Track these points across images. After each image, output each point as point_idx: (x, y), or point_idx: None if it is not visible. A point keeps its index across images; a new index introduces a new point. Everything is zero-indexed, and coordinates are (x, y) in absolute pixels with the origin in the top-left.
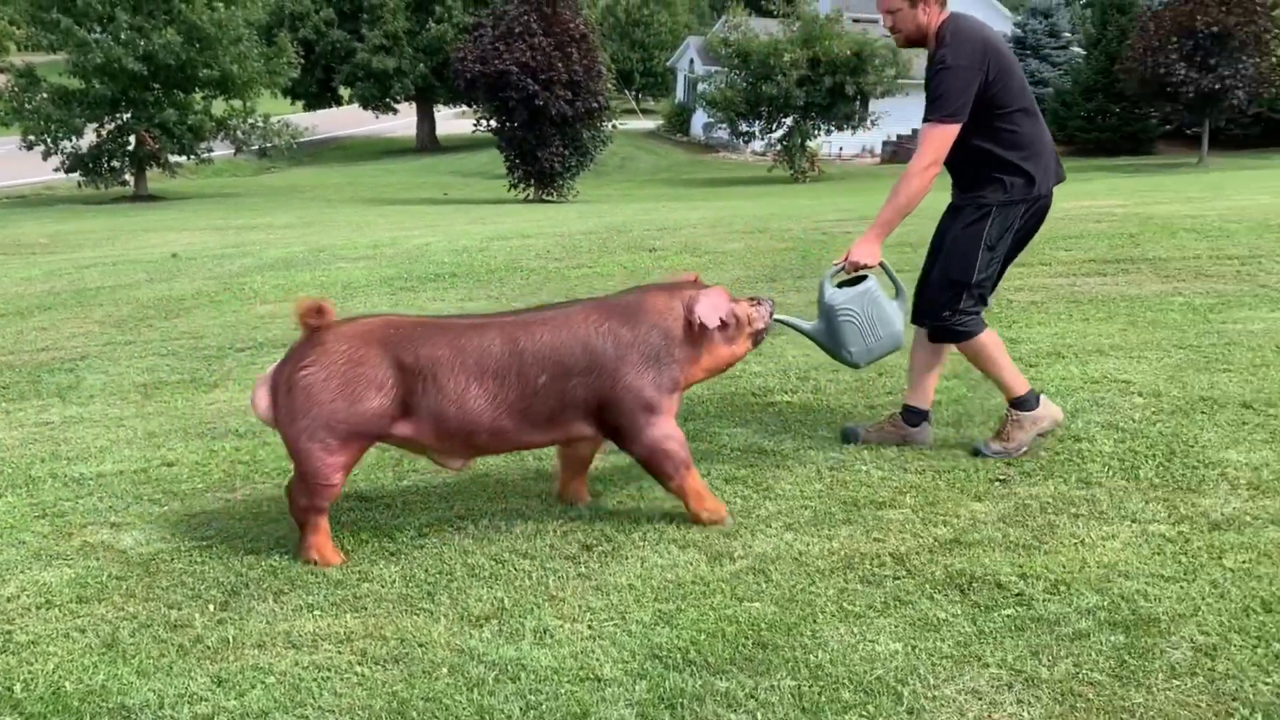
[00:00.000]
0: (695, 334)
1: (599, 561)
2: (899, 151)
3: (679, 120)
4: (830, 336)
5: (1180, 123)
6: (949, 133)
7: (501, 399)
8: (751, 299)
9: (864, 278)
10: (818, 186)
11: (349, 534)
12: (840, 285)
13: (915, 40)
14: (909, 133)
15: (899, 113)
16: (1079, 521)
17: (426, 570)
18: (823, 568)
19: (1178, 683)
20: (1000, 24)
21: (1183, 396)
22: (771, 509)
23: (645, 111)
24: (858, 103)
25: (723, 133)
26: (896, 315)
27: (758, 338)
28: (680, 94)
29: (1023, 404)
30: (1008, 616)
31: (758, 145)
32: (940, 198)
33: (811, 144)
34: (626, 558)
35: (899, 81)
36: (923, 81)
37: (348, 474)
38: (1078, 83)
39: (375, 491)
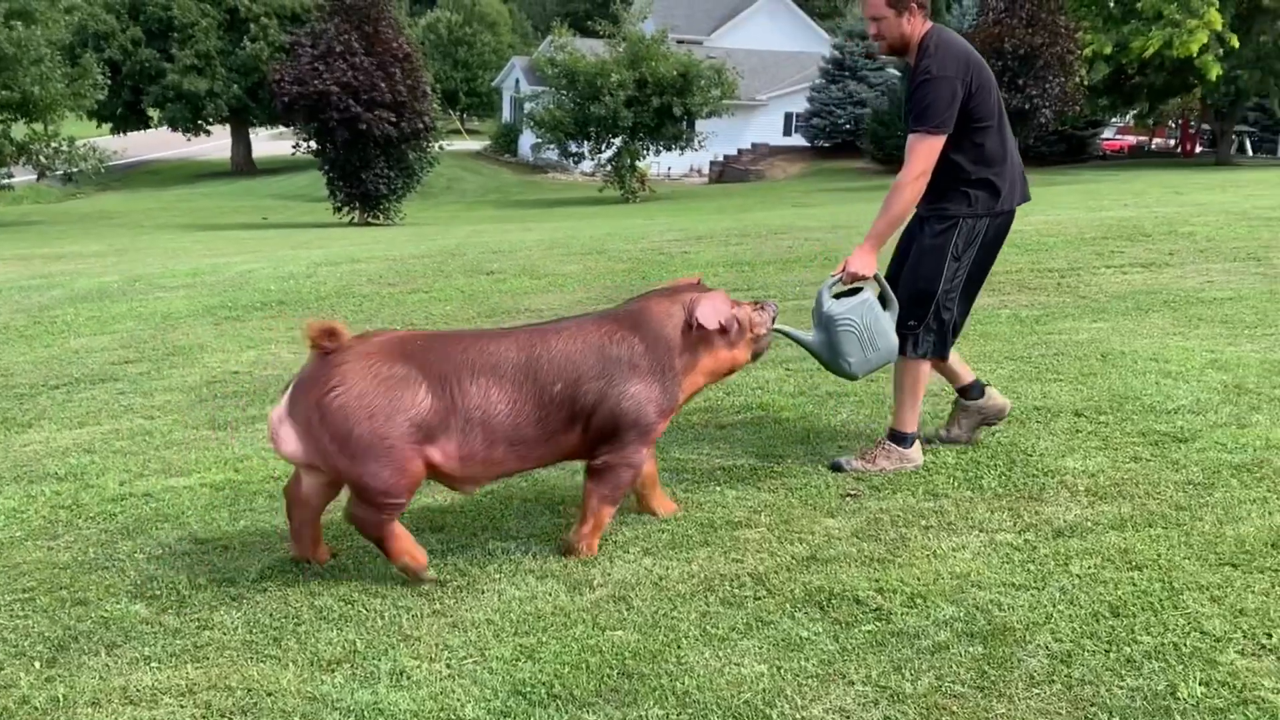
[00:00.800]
0: (696, 338)
1: (454, 597)
2: (726, 171)
3: (506, 141)
4: (829, 347)
5: None
6: (937, 143)
7: (521, 409)
8: (755, 303)
9: (860, 289)
10: (649, 206)
11: (185, 579)
12: (836, 296)
13: (898, 49)
14: (734, 152)
15: (725, 133)
16: (929, 533)
17: (271, 614)
18: (683, 591)
19: (1037, 691)
20: (818, 45)
21: (1018, 406)
22: (628, 534)
23: (471, 132)
24: (685, 123)
25: (551, 153)
26: (891, 326)
27: (760, 343)
28: (507, 114)
29: (901, 440)
30: (868, 632)
31: (587, 165)
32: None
33: (641, 164)
34: (483, 591)
35: (724, 102)
36: (748, 102)
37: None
38: (895, 103)
39: (211, 533)
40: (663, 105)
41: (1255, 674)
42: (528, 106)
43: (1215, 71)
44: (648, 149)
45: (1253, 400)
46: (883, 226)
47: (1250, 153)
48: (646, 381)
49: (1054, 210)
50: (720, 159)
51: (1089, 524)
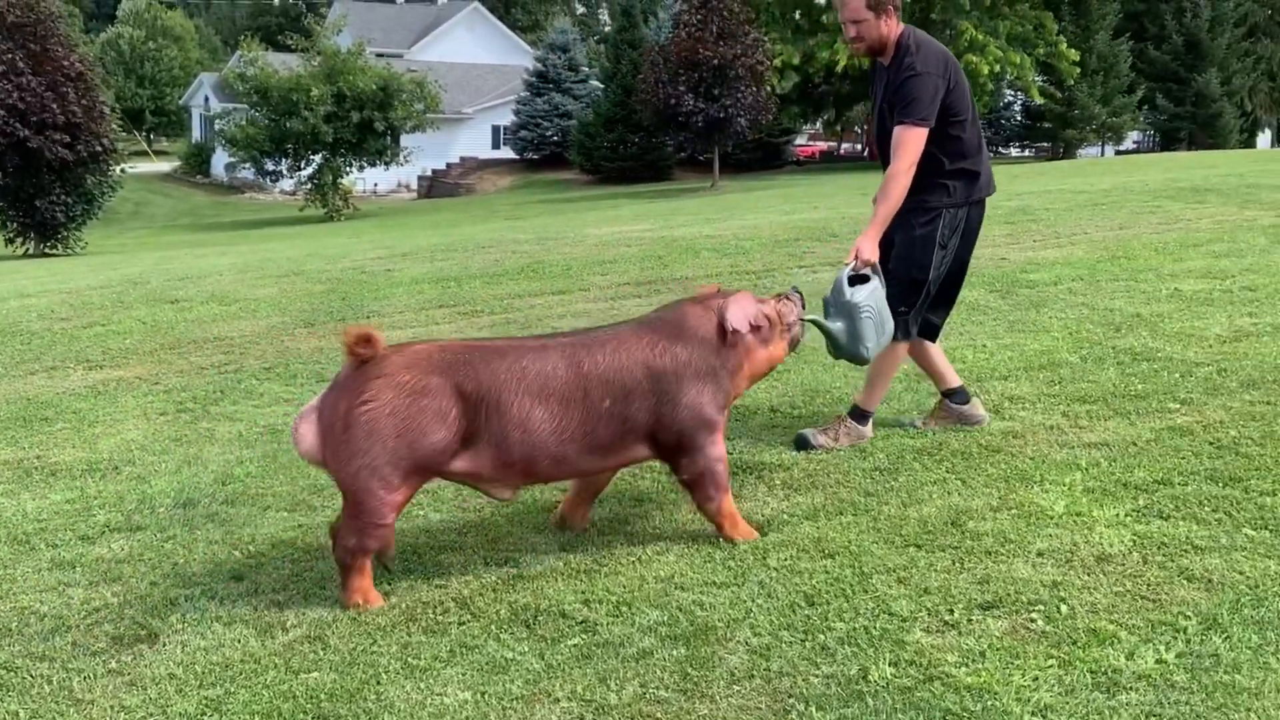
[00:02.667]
0: (730, 342)
1: (132, 653)
2: (434, 185)
3: (198, 161)
4: (851, 334)
5: (693, 150)
6: (923, 134)
7: (566, 424)
8: (778, 296)
9: (868, 276)
10: (355, 224)
11: None
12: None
13: (876, 50)
14: (443, 166)
15: (432, 147)
16: (634, 540)
17: None
18: (384, 624)
19: (738, 687)
20: (521, 58)
21: None
22: (325, 569)
23: (159, 153)
24: (389, 138)
25: (247, 172)
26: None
27: (794, 336)
28: (197, 133)
29: (863, 418)
30: (574, 646)
31: (287, 184)
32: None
33: (345, 181)
34: (165, 645)
35: (428, 116)
36: (453, 116)
37: (400, 513)
38: (599, 114)
39: None
40: (364, 120)
41: (939, 650)
42: (219, 124)
43: None
44: (351, 165)
45: (930, 387)
46: (884, 213)
47: None
48: (697, 386)
49: (751, 215)
50: (428, 174)
51: (785, 516)
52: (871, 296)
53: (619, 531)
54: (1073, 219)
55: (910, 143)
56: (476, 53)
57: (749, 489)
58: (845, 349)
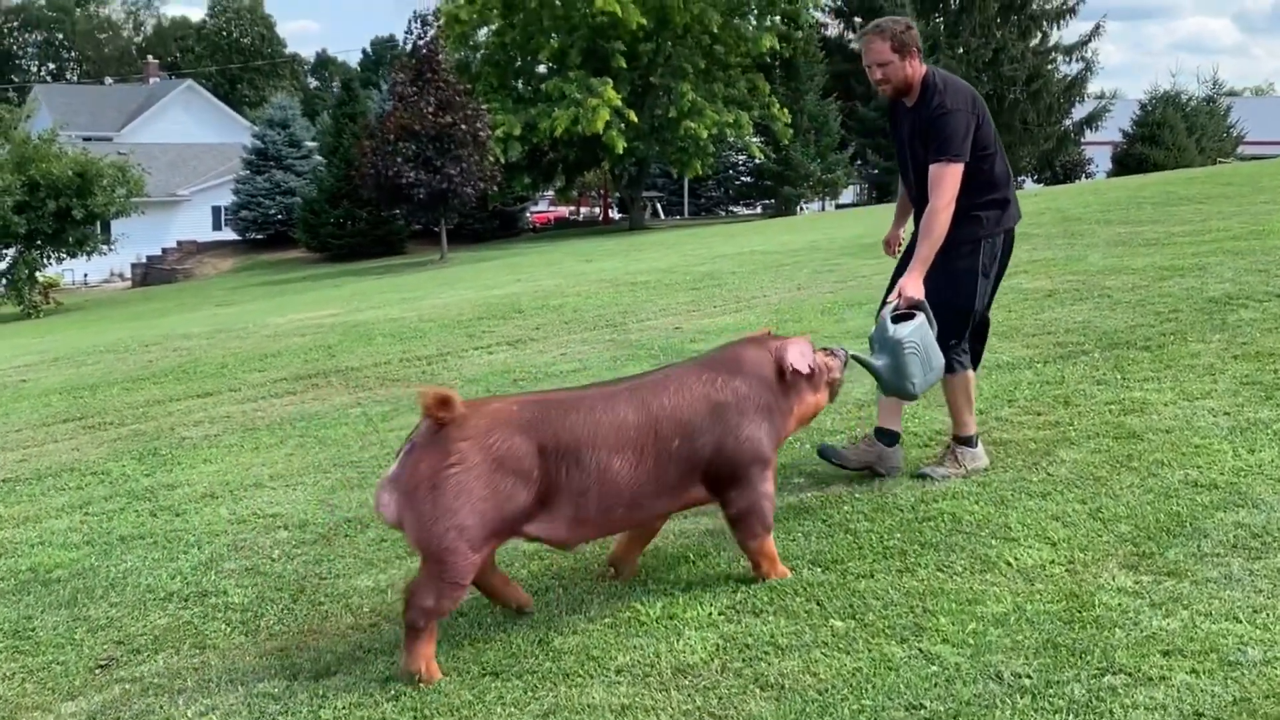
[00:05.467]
0: (787, 383)
1: None
2: (150, 272)
3: None
4: (896, 370)
5: (420, 222)
6: (959, 170)
7: (641, 470)
8: (825, 350)
9: (913, 315)
10: (52, 321)
11: None
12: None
13: (902, 91)
14: (159, 252)
15: (146, 232)
16: (181, 700)
17: None
18: None
19: None
20: (242, 135)
21: (328, 522)
22: None
23: None
24: (97, 226)
25: None
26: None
27: (834, 387)
28: None
29: (968, 442)
30: None
31: None
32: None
33: (48, 273)
34: None
35: (134, 201)
36: (167, 198)
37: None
38: (323, 190)
39: None
40: (61, 208)
41: None
42: None
43: (620, 145)
44: (49, 257)
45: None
46: (926, 251)
47: (662, 215)
48: (756, 421)
49: (452, 291)
50: (143, 260)
51: (361, 652)
52: (915, 333)
53: (165, 692)
54: (756, 282)
55: (948, 180)
56: (193, 131)
57: (333, 621)
58: (891, 385)
